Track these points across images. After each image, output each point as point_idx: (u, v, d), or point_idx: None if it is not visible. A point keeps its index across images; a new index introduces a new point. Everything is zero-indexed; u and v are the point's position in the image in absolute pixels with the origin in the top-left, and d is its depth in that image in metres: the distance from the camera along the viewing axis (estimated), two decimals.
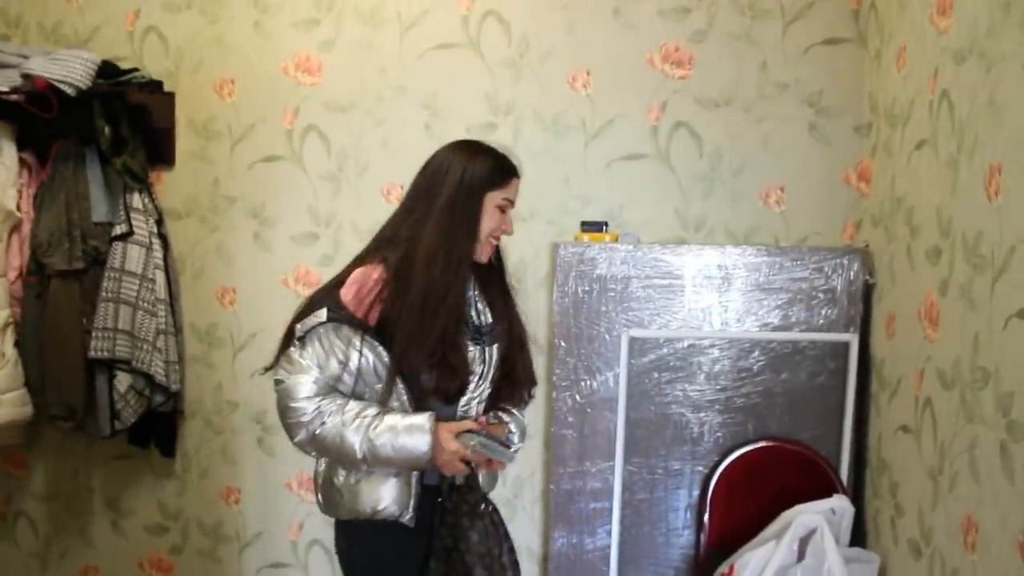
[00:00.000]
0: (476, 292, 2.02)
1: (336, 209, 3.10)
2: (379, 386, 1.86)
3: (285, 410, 1.87)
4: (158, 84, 3.06)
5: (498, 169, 1.93)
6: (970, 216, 2.07)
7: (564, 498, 2.86)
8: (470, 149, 1.95)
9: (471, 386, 1.95)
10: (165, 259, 3.01)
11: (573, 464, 2.84)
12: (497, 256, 2.06)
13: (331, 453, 1.88)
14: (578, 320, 2.81)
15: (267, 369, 1.95)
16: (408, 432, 1.81)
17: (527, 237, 3.03)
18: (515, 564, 2.03)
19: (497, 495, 3.05)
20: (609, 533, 2.84)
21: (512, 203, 1.97)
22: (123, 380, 2.92)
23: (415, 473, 1.91)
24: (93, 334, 2.88)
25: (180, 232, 3.15)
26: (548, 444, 2.99)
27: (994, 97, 1.97)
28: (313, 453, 1.93)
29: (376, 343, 1.84)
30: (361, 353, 1.84)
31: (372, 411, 1.84)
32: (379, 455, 1.82)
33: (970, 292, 2.04)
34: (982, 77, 2.03)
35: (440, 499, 1.96)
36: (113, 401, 2.93)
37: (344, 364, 1.84)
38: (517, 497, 3.12)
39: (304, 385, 1.84)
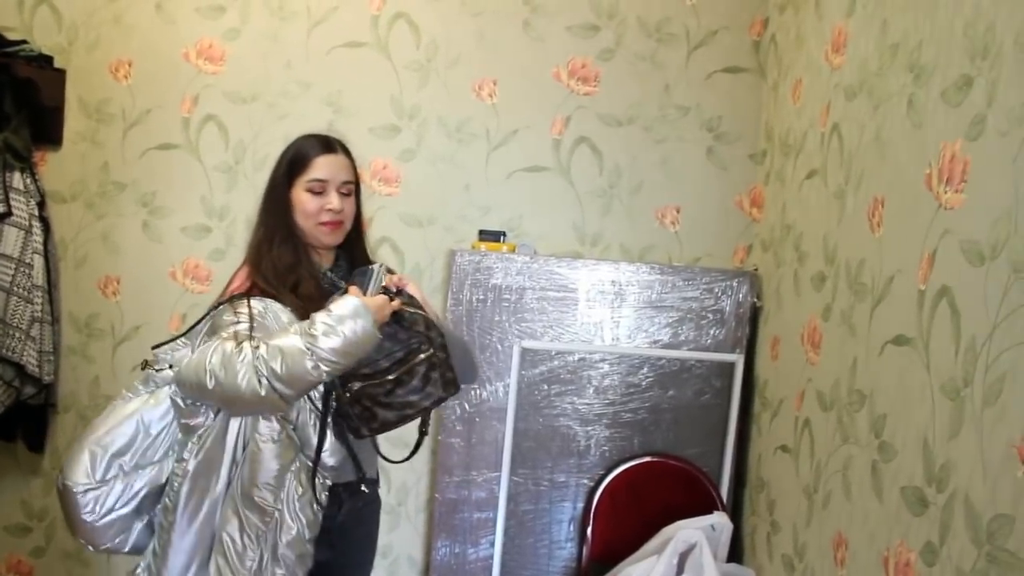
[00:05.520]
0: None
1: (231, 202, 3.02)
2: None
3: (232, 377, 1.65)
4: (48, 59, 2.92)
5: (295, 159, 1.91)
6: (854, 245, 2.15)
7: (448, 507, 2.84)
8: (285, 149, 1.95)
9: None
10: (45, 244, 2.87)
11: (459, 473, 2.83)
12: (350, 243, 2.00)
13: (295, 383, 1.68)
14: (471, 328, 2.80)
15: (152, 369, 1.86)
16: (342, 322, 1.68)
17: (424, 243, 3.02)
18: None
19: (381, 502, 3.02)
20: (492, 544, 2.84)
21: (323, 181, 1.88)
22: None
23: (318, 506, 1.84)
24: None
25: (64, 217, 3.01)
26: (435, 452, 2.97)
27: (880, 133, 2.06)
28: (286, 391, 1.67)
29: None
30: (260, 309, 1.79)
31: (303, 324, 1.71)
32: (334, 360, 1.68)
33: (851, 318, 2.12)
34: (870, 113, 2.12)
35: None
36: None
37: (253, 319, 1.77)
38: (401, 505, 3.08)
39: (232, 343, 1.69)
